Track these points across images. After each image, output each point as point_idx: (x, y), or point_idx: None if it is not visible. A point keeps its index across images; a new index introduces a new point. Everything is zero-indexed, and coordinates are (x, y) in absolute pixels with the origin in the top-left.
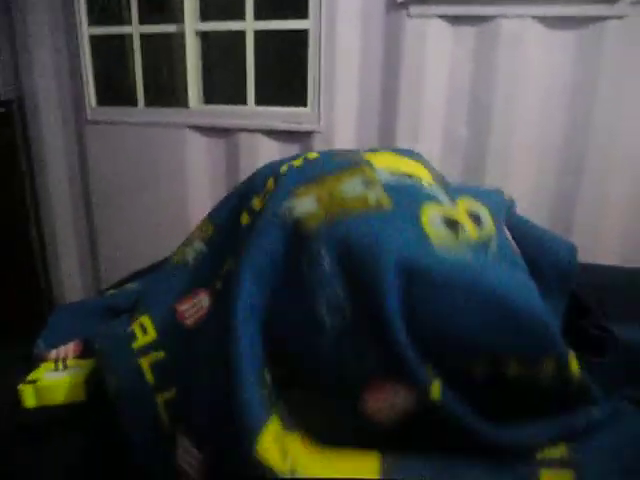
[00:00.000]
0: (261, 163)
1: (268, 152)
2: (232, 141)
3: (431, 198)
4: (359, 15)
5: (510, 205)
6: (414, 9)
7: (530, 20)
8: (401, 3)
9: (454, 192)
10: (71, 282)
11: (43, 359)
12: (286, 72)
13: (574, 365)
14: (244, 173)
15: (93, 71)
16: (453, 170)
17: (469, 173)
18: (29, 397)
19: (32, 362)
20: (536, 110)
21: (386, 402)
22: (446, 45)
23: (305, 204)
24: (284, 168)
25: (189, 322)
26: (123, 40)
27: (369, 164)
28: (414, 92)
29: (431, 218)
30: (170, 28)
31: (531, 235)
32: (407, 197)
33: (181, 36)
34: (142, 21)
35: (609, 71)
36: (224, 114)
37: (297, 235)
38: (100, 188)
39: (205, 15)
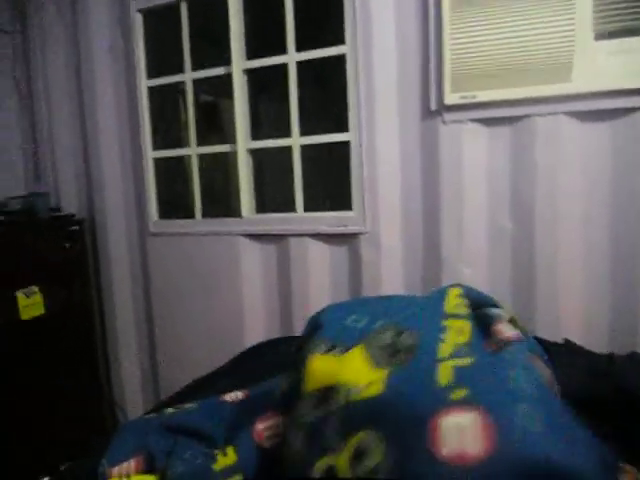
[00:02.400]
0: (311, 265)
1: (318, 254)
2: (283, 246)
3: None
4: (396, 124)
5: None
6: (448, 116)
7: (562, 116)
8: (435, 110)
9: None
10: (131, 385)
11: (107, 476)
12: (332, 179)
13: None
14: (295, 274)
15: (156, 189)
16: (502, 263)
17: (517, 267)
18: None
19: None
20: (580, 202)
21: None
22: (482, 145)
23: None
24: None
25: (267, 445)
26: (182, 160)
27: None
28: (455, 192)
29: None
30: (224, 148)
31: None
32: None
33: (234, 154)
34: (199, 142)
35: None
36: (275, 221)
37: None
38: (160, 293)
39: (256, 132)
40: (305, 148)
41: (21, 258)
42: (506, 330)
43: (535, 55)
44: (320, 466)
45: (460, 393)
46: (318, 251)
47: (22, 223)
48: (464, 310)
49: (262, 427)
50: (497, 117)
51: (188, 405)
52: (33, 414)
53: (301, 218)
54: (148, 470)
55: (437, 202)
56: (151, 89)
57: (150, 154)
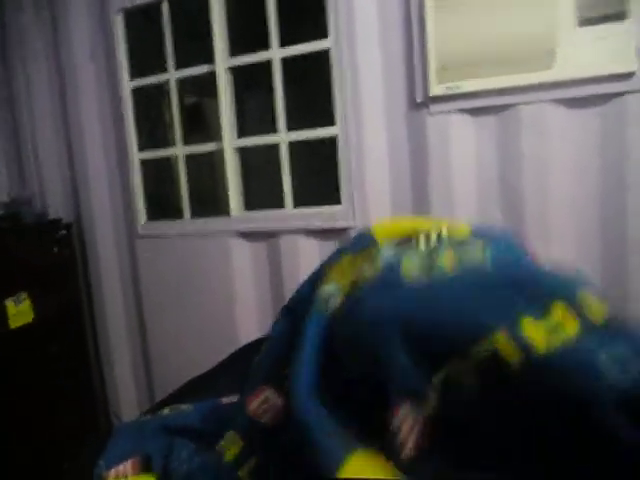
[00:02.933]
0: (302, 261)
1: (308, 250)
2: (273, 243)
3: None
4: (383, 117)
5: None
6: (434, 107)
7: (547, 104)
8: (421, 102)
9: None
10: (124, 385)
11: (104, 478)
12: (319, 174)
13: None
14: (286, 272)
15: (143, 191)
16: None
17: None
18: None
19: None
20: (569, 188)
21: None
22: (469, 135)
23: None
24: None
25: (266, 420)
26: (169, 160)
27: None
28: (444, 183)
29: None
30: (210, 147)
31: None
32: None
33: (221, 153)
34: (185, 141)
35: (637, 144)
36: (264, 219)
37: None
38: (151, 296)
39: (242, 130)
40: (292, 144)
41: (8, 265)
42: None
43: (518, 43)
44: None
45: None
46: (308, 247)
47: (7, 229)
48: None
49: (255, 405)
50: (483, 107)
51: (184, 406)
52: (27, 419)
53: (290, 214)
54: (145, 471)
55: (426, 194)
56: (135, 90)
57: (136, 155)
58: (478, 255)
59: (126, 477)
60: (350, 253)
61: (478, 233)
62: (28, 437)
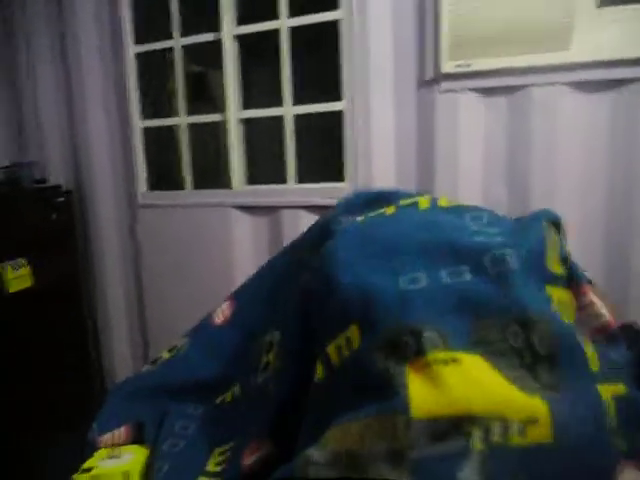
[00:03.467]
0: None
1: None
2: (275, 218)
3: None
4: (391, 93)
5: None
6: (444, 84)
7: (561, 86)
8: (431, 79)
9: None
10: (121, 355)
11: (97, 443)
12: (324, 149)
13: None
14: None
15: (145, 160)
16: None
17: None
18: None
19: (88, 446)
20: (577, 172)
21: None
22: (479, 116)
23: None
24: None
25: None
26: (171, 130)
27: None
28: (450, 163)
29: None
30: (214, 117)
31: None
32: None
33: (225, 124)
34: (189, 111)
35: None
36: (266, 193)
37: None
38: (150, 266)
39: (247, 102)
40: (298, 118)
41: (6, 230)
42: (600, 307)
43: (535, 22)
44: None
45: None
46: (310, 223)
47: (7, 194)
48: (560, 269)
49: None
50: (494, 87)
51: (181, 343)
52: (22, 386)
53: (293, 190)
54: (138, 440)
55: (432, 173)
56: (139, 56)
57: (138, 123)
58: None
59: (119, 447)
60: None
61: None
62: (23, 404)
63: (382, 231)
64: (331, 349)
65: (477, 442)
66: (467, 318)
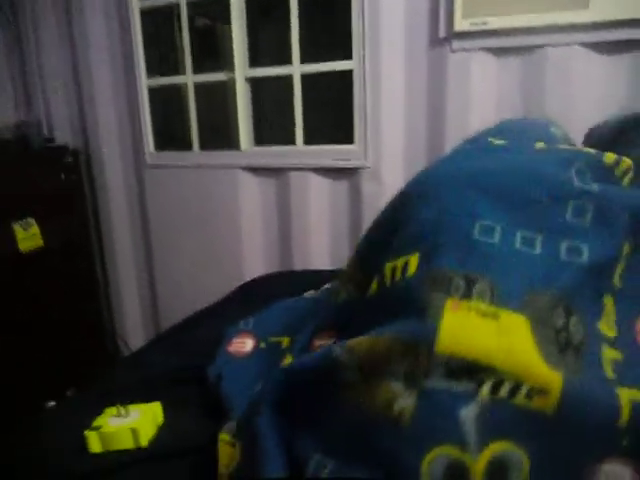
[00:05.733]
0: (311, 199)
1: (318, 188)
2: (283, 180)
3: None
4: (402, 52)
5: None
6: (457, 43)
7: (578, 47)
8: (444, 38)
9: None
10: (132, 316)
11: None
12: (333, 111)
13: None
14: (295, 209)
15: (151, 119)
16: None
17: None
18: (94, 443)
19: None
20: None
21: None
22: (491, 76)
23: None
24: None
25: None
26: (178, 89)
27: None
28: (461, 125)
29: None
30: (221, 76)
31: None
32: None
33: (232, 83)
34: (195, 70)
35: None
36: (274, 154)
37: None
38: (159, 227)
39: (254, 61)
40: (306, 78)
41: (15, 190)
42: None
43: None
44: (441, 459)
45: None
46: (318, 185)
47: (15, 153)
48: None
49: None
50: (508, 47)
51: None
52: (35, 345)
53: (301, 151)
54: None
55: (442, 134)
56: (144, 11)
57: (145, 82)
58: None
59: (127, 405)
60: None
61: None
62: (31, 365)
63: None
64: (388, 267)
65: (485, 390)
66: (525, 282)
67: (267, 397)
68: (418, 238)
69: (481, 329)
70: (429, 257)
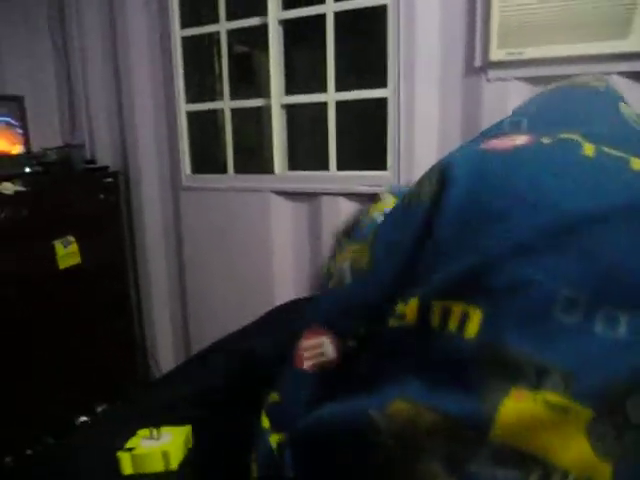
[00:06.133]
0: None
1: (349, 213)
2: (315, 204)
3: None
4: (437, 81)
5: None
6: (492, 73)
7: (616, 76)
8: (480, 68)
9: None
10: (163, 335)
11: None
12: (367, 137)
13: None
14: (326, 233)
15: (189, 143)
16: None
17: None
18: (126, 465)
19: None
20: None
21: None
22: None
23: None
24: None
25: (307, 366)
26: (215, 114)
27: None
28: None
29: None
30: (258, 102)
31: None
32: None
33: (268, 109)
34: (232, 95)
35: None
36: (307, 179)
37: None
38: (192, 248)
39: (289, 84)
40: (340, 105)
41: (58, 209)
42: None
43: (591, 8)
44: None
45: None
46: (349, 210)
47: (59, 174)
48: None
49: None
50: (545, 76)
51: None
52: (67, 360)
53: (334, 177)
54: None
55: None
56: (185, 40)
57: (183, 107)
58: None
59: (159, 427)
60: None
61: None
62: (66, 375)
63: None
64: (436, 305)
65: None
66: (610, 375)
67: (292, 442)
68: (483, 287)
69: (543, 424)
70: (496, 324)
